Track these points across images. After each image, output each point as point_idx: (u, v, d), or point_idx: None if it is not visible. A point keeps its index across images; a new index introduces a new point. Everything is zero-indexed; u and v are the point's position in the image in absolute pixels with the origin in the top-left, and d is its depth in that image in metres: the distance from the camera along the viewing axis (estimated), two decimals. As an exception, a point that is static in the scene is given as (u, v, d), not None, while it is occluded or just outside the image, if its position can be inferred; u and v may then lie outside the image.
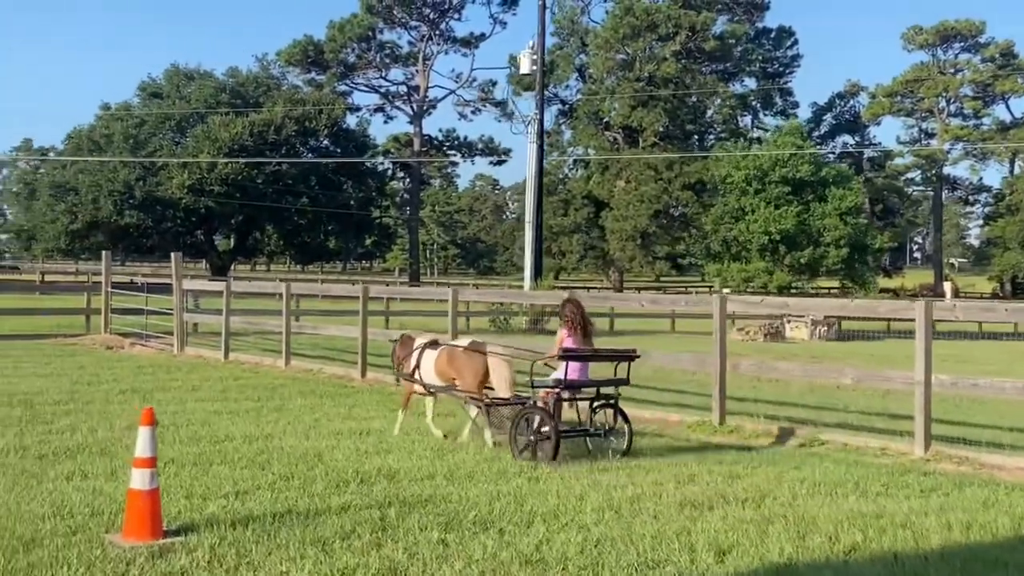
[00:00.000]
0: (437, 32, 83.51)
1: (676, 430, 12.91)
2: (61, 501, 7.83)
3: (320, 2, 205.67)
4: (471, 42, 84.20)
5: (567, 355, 10.47)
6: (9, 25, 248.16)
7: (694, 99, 75.51)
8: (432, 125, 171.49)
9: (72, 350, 22.42)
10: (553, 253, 72.84)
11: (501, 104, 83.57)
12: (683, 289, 77.87)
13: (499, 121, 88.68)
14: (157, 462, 7.07)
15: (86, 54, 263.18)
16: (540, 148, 37.13)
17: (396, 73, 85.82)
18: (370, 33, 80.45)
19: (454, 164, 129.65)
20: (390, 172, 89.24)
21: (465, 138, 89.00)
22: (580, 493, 8.56)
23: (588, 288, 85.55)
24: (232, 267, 75.41)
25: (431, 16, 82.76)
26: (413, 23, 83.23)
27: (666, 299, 22.11)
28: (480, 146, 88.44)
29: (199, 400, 14.40)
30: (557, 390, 10.30)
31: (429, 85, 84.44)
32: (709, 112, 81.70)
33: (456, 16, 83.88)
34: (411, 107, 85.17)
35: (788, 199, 61.96)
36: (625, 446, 10.43)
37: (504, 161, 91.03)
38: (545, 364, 11.47)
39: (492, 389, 11.02)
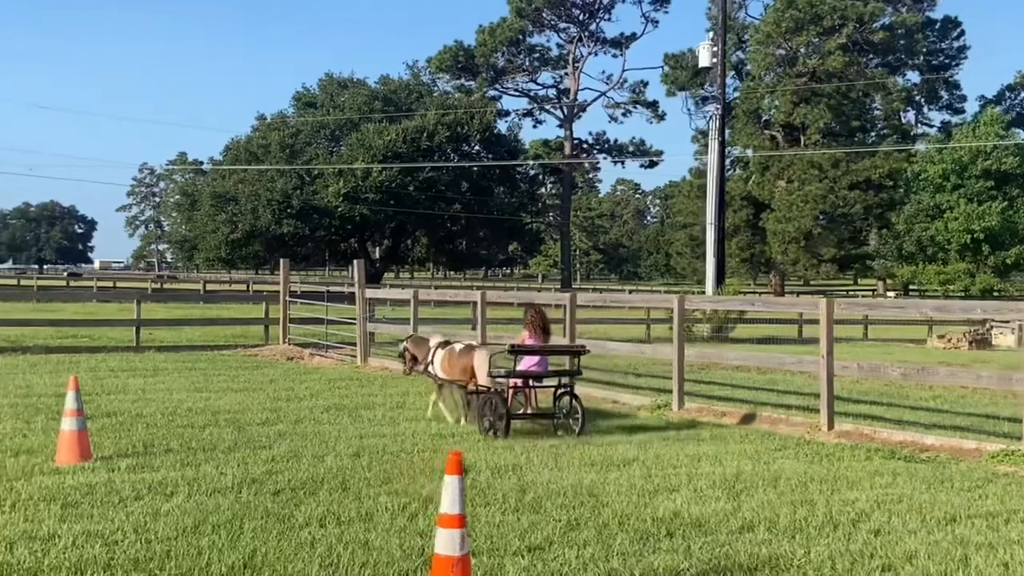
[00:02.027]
0: (587, 33, 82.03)
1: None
2: (330, 559, 6.48)
3: (469, 8, 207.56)
4: (622, 43, 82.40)
5: (514, 349, 12.56)
6: (166, 42, 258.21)
7: (859, 94, 71.77)
8: (582, 128, 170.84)
9: (255, 362, 21.63)
10: (712, 257, 70.40)
11: (652, 105, 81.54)
12: (844, 293, 74.41)
13: (650, 123, 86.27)
14: (466, 520, 5.58)
15: (240, 67, 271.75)
16: (721, 145, 35.10)
17: (546, 76, 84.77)
18: (519, 37, 79.52)
19: (596, 168, 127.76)
20: (540, 177, 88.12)
21: (615, 141, 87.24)
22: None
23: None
24: (383, 274, 75.42)
25: (581, 17, 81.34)
26: (562, 25, 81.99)
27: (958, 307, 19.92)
28: (631, 148, 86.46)
29: (410, 420, 13.10)
30: (514, 380, 12.40)
31: (579, 88, 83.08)
32: (873, 108, 77.73)
33: (606, 17, 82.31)
34: (561, 110, 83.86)
35: (991, 194, 57.67)
36: (582, 426, 12.08)
37: (656, 163, 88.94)
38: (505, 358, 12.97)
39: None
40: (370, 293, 23.40)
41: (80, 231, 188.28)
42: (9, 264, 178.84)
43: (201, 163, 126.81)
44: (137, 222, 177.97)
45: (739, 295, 34.93)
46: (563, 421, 12.36)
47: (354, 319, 22.94)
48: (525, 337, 13.41)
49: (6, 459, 9.64)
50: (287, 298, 25.19)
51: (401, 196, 65.02)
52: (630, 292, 69.31)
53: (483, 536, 7.09)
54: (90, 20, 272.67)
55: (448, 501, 5.47)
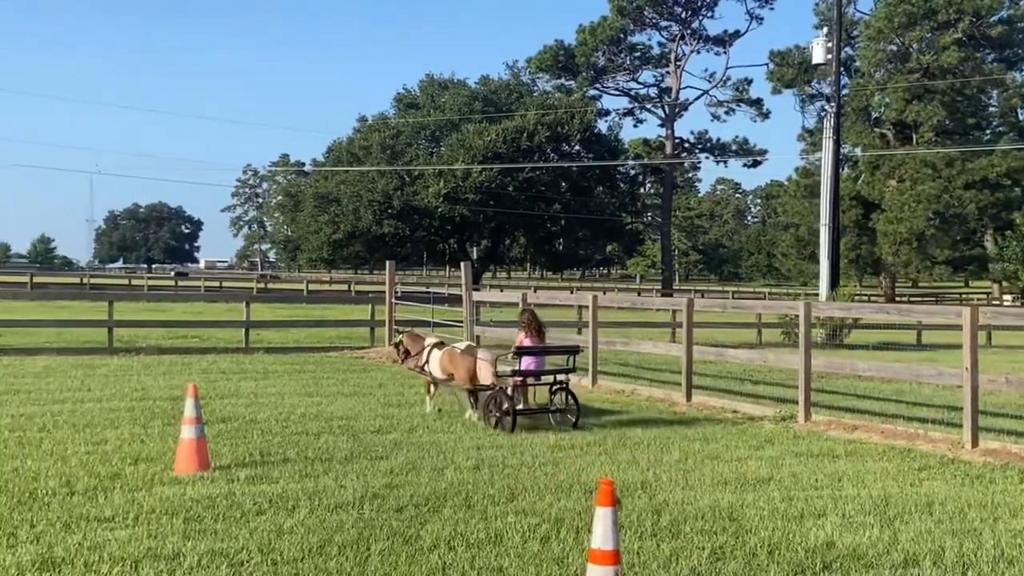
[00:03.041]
0: (689, 31, 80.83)
1: None
2: (465, 587, 6.09)
3: (569, 7, 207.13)
4: (725, 40, 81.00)
5: (520, 351, 13.61)
6: (270, 45, 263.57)
7: (974, 90, 69.19)
8: (684, 127, 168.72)
9: (362, 364, 21.49)
10: (818, 258, 68.59)
11: (756, 103, 79.94)
12: (957, 296, 71.94)
13: (754, 121, 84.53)
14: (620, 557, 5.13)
15: (342, 69, 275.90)
16: (836, 144, 33.86)
17: (647, 75, 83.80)
18: (620, 36, 78.73)
19: (696, 167, 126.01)
20: (640, 177, 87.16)
21: (718, 140, 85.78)
22: None
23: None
24: (482, 275, 75.39)
25: (683, 15, 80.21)
26: (664, 23, 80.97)
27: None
28: (734, 147, 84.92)
29: (526, 429, 12.66)
30: (515, 378, 13.22)
31: (681, 86, 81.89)
32: (989, 104, 74.91)
33: (709, 14, 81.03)
34: (662, 109, 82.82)
35: None
36: (575, 419, 12.98)
37: (760, 163, 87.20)
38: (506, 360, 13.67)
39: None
40: (477, 295, 23.11)
41: (187, 231, 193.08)
42: (119, 264, 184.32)
43: (303, 164, 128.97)
44: (241, 222, 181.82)
45: (854, 299, 33.73)
46: (559, 415, 13.20)
47: (459, 321, 22.69)
48: (522, 338, 14.30)
49: (125, 467, 9.52)
50: (393, 299, 25.05)
51: (500, 196, 64.85)
52: (732, 294, 68.01)
53: (624, 564, 6.62)
54: (196, 25, 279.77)
55: (601, 535, 5.04)
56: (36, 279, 68.70)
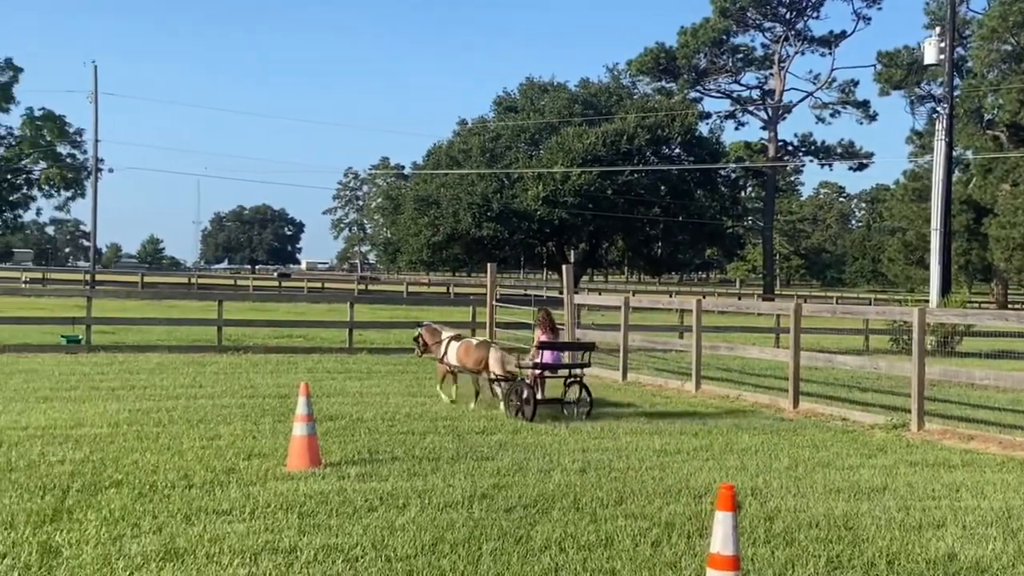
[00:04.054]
0: (793, 32, 79.51)
1: None
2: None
3: (671, 9, 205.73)
4: (830, 41, 79.44)
5: (543, 345, 14.97)
6: (371, 49, 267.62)
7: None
8: (787, 129, 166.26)
9: (464, 365, 21.58)
10: (927, 264, 66.59)
11: (863, 105, 78.21)
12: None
13: (860, 123, 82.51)
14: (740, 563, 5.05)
15: (442, 73, 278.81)
16: (948, 146, 32.85)
17: (749, 77, 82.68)
18: (723, 37, 77.85)
19: (799, 171, 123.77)
20: (741, 180, 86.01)
21: (822, 142, 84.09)
22: None
23: None
24: (580, 278, 75.17)
25: (787, 16, 78.92)
26: (768, 24, 79.79)
27: None
28: (839, 150, 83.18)
29: (630, 433, 12.61)
30: (536, 371, 14.31)
31: (784, 88, 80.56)
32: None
33: (814, 15, 79.63)
34: (765, 112, 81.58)
35: None
36: (587, 411, 13.87)
37: (866, 166, 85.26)
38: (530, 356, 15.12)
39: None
40: (577, 299, 23.06)
41: (289, 233, 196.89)
42: (224, 264, 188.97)
43: (403, 168, 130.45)
44: (341, 224, 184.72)
45: (966, 305, 32.69)
46: (573, 406, 14.02)
47: (559, 324, 22.66)
48: (539, 335, 15.55)
49: (239, 462, 9.73)
50: (494, 302, 25.13)
51: (599, 199, 64.54)
52: (836, 300, 66.62)
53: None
54: (299, 31, 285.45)
55: (720, 539, 4.97)
56: (146, 279, 70.84)
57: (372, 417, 13.06)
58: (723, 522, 4.96)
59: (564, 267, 24.24)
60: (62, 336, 23.30)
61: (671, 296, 56.73)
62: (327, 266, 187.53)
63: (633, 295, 31.71)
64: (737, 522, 5.07)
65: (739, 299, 64.05)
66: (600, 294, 54.76)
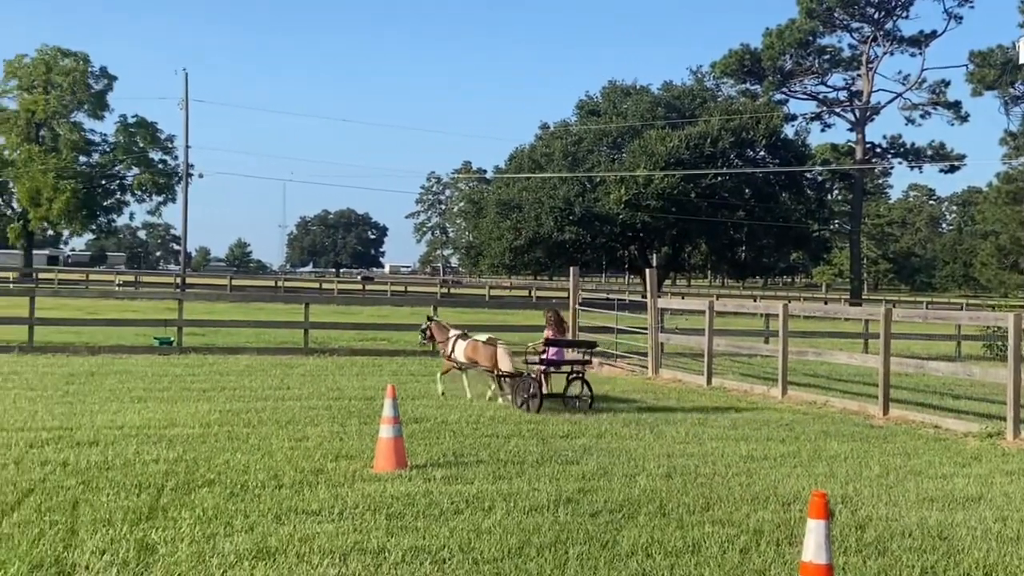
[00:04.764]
0: (882, 32, 77.89)
1: None
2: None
3: (755, 10, 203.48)
4: (920, 41, 77.63)
5: (549, 342, 15.70)
6: (452, 54, 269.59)
7: None
8: (875, 131, 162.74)
9: (546, 369, 21.57)
10: (1021, 268, 64.75)
11: (954, 106, 76.30)
12: None
13: (952, 124, 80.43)
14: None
15: (524, 77, 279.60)
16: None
17: (836, 78, 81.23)
18: (809, 38, 76.64)
19: (887, 173, 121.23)
20: (828, 183, 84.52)
21: (912, 144, 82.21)
22: None
23: None
24: (663, 282, 74.65)
25: (875, 16, 77.36)
26: (855, 25, 78.30)
27: None
28: (929, 152, 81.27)
29: (715, 439, 12.47)
30: (542, 367, 15.18)
31: (872, 89, 78.96)
32: None
33: (903, 14, 77.83)
34: (852, 113, 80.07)
35: None
36: (590, 404, 14.84)
37: (957, 168, 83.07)
38: (534, 350, 15.97)
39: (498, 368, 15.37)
40: (661, 302, 22.90)
41: (372, 237, 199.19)
42: (309, 267, 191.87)
43: (485, 171, 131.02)
44: (424, 228, 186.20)
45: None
46: (575, 400, 14.95)
47: (643, 328, 22.53)
48: (548, 334, 16.27)
49: (327, 463, 9.85)
50: (576, 305, 25.09)
51: (683, 203, 64.08)
52: (927, 305, 65.09)
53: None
54: (381, 36, 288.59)
55: (814, 548, 4.88)
56: (234, 282, 72.29)
57: (456, 420, 13.13)
58: (816, 530, 4.87)
59: (647, 271, 24.11)
60: (155, 338, 23.88)
61: (755, 300, 55.90)
62: (410, 270, 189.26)
63: (717, 299, 31.27)
64: (830, 530, 4.98)
65: (825, 303, 62.95)
66: (683, 298, 54.29)
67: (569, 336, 17.23)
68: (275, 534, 7.14)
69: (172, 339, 23.50)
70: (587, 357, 15.99)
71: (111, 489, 8.41)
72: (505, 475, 9.58)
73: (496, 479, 9.37)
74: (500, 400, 15.35)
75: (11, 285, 59.50)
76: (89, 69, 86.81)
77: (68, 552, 6.61)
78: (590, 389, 15.13)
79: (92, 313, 33.05)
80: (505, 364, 15.32)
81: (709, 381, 19.40)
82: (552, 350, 15.53)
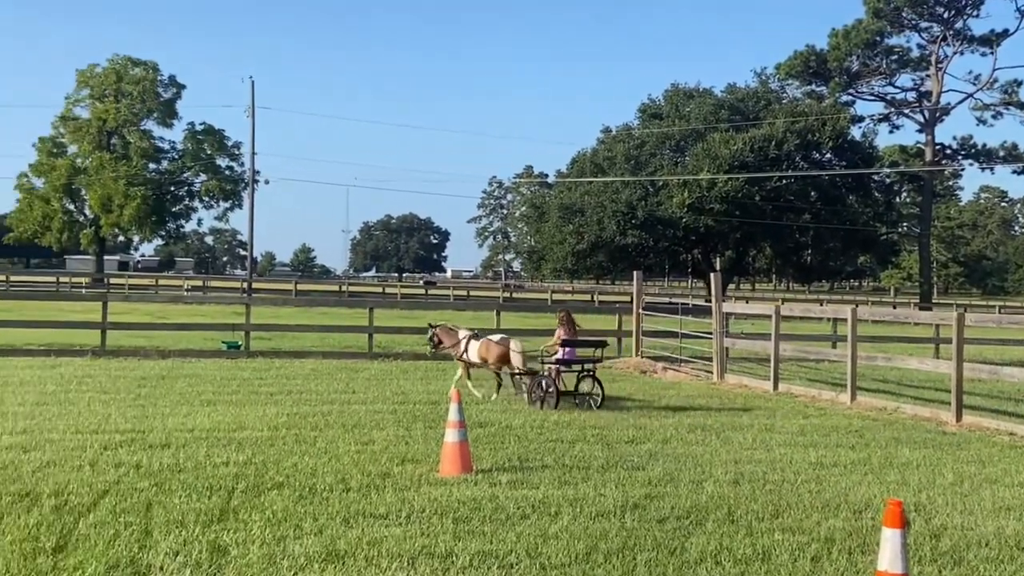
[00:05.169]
0: (952, 32, 76.38)
1: None
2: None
3: (820, 11, 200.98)
4: (992, 40, 75.92)
5: (565, 342, 16.09)
6: (512, 59, 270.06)
7: None
8: (945, 132, 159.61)
9: (610, 374, 21.46)
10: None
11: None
12: None
13: None
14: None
15: (585, 81, 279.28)
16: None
17: (904, 79, 79.81)
18: (876, 39, 75.39)
19: (957, 175, 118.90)
20: (896, 185, 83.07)
21: (984, 146, 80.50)
22: None
23: None
24: (726, 287, 73.99)
25: (945, 16, 75.90)
26: (924, 24, 76.86)
27: None
28: (1002, 153, 79.50)
29: (783, 445, 12.31)
30: (557, 366, 15.79)
31: (942, 89, 77.46)
32: None
33: (974, 13, 76.15)
34: (921, 114, 78.65)
35: None
36: (600, 401, 15.29)
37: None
38: (549, 351, 16.38)
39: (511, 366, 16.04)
40: (726, 307, 22.69)
41: (435, 241, 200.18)
42: (372, 272, 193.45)
43: (547, 176, 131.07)
44: (486, 233, 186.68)
45: None
46: (586, 397, 15.46)
47: (708, 332, 22.34)
48: (561, 333, 16.64)
49: (393, 467, 9.91)
50: (640, 310, 24.96)
51: (747, 206, 63.45)
52: (999, 309, 63.67)
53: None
54: (442, 41, 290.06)
55: (889, 558, 4.79)
56: (299, 286, 73.10)
57: (521, 424, 13.13)
58: (892, 539, 4.78)
59: (712, 275, 23.92)
60: (223, 342, 24.22)
61: (822, 304, 55.17)
62: (472, 274, 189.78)
63: (783, 303, 30.80)
64: (906, 540, 4.88)
65: (894, 308, 61.93)
66: (747, 302, 53.72)
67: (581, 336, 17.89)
68: (344, 537, 7.20)
69: (240, 343, 23.82)
70: (598, 355, 16.40)
71: (183, 491, 8.55)
72: (571, 480, 9.55)
73: (562, 484, 9.35)
74: (493, 397, 15.94)
75: (84, 290, 60.82)
76: (158, 78, 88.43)
77: (143, 553, 6.73)
78: (601, 387, 15.62)
79: (161, 317, 33.63)
80: (517, 362, 15.94)
81: (776, 386, 19.18)
82: (565, 349, 16.03)
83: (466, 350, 16.55)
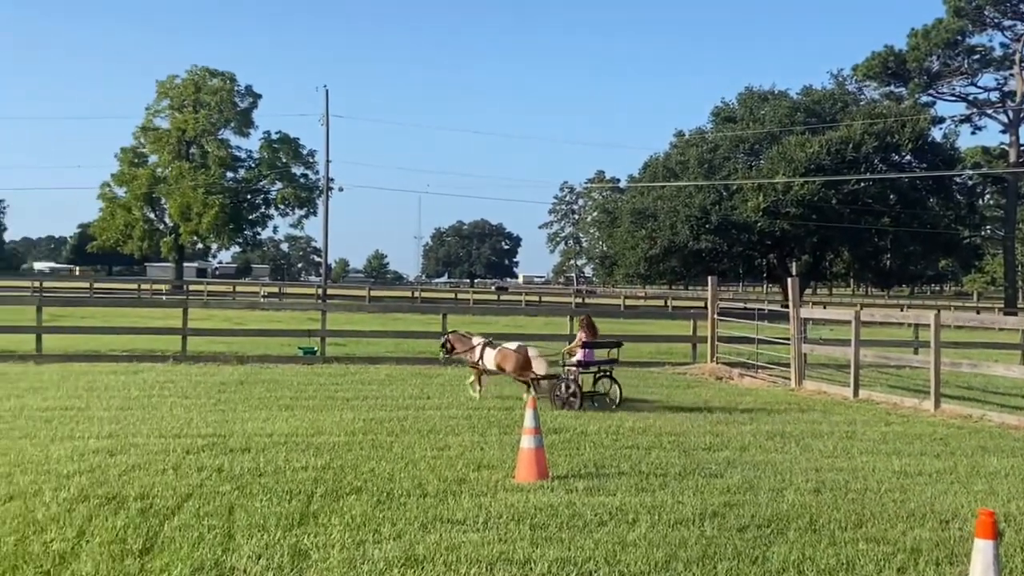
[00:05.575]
0: (1036, 29, 74.38)
1: None
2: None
3: (899, 11, 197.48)
4: (1078, 37, 73.80)
5: (586, 344, 16.42)
6: (584, 65, 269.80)
7: None
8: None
9: (684, 381, 21.33)
10: None
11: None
12: None
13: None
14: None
15: (658, 85, 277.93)
16: None
17: (987, 79, 77.91)
18: (957, 38, 73.72)
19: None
20: (979, 188, 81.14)
21: (1073, 146, 78.15)
22: None
23: None
24: (803, 291, 72.89)
25: (1029, 13, 73.95)
26: (1007, 23, 74.91)
27: None
28: (1089, 154, 77.14)
29: (865, 452, 12.07)
30: (578, 368, 16.08)
31: (1026, 89, 75.45)
32: None
33: (1060, 10, 74.08)
34: (1005, 115, 76.68)
35: None
36: (619, 401, 15.84)
37: (1119, 170, 78.45)
38: (569, 353, 16.73)
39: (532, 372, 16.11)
40: (804, 312, 22.34)
41: (506, 247, 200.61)
42: (444, 278, 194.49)
43: (618, 181, 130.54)
44: (557, 238, 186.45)
45: None
46: (604, 396, 16.00)
47: (783, 338, 22.03)
48: (582, 336, 16.90)
49: (469, 473, 9.92)
50: (715, 316, 24.71)
51: (823, 210, 62.51)
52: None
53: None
54: (516, 49, 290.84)
55: (980, 570, 4.66)
56: (372, 293, 73.80)
57: (596, 430, 13.06)
58: (983, 551, 4.64)
59: (789, 280, 23.59)
60: (299, 348, 24.53)
61: (902, 310, 54.06)
62: (543, 280, 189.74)
63: (861, 308, 30.17)
64: (998, 551, 4.73)
65: (978, 313, 60.48)
66: (825, 307, 52.93)
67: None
68: (422, 542, 7.22)
69: (315, 349, 24.10)
70: (614, 356, 16.94)
71: (264, 495, 8.65)
72: (648, 487, 9.47)
73: (639, 491, 9.27)
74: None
75: (164, 297, 62.14)
76: (235, 88, 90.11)
77: (226, 556, 6.83)
78: (619, 386, 16.19)
79: (239, 324, 34.19)
80: (540, 368, 16.20)
81: (856, 393, 18.82)
82: (585, 352, 16.42)
83: (481, 357, 16.74)
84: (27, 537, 7.21)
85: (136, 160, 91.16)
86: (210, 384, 17.51)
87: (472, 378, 17.10)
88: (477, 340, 17.15)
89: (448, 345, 17.56)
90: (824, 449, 12.22)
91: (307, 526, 7.65)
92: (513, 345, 16.83)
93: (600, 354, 16.70)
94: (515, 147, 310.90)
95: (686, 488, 9.47)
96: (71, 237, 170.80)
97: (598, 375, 16.40)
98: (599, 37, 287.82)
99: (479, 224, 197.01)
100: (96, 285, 73.93)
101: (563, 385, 15.75)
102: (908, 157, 67.42)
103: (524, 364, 16.18)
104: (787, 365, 21.39)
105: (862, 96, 75.74)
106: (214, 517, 7.85)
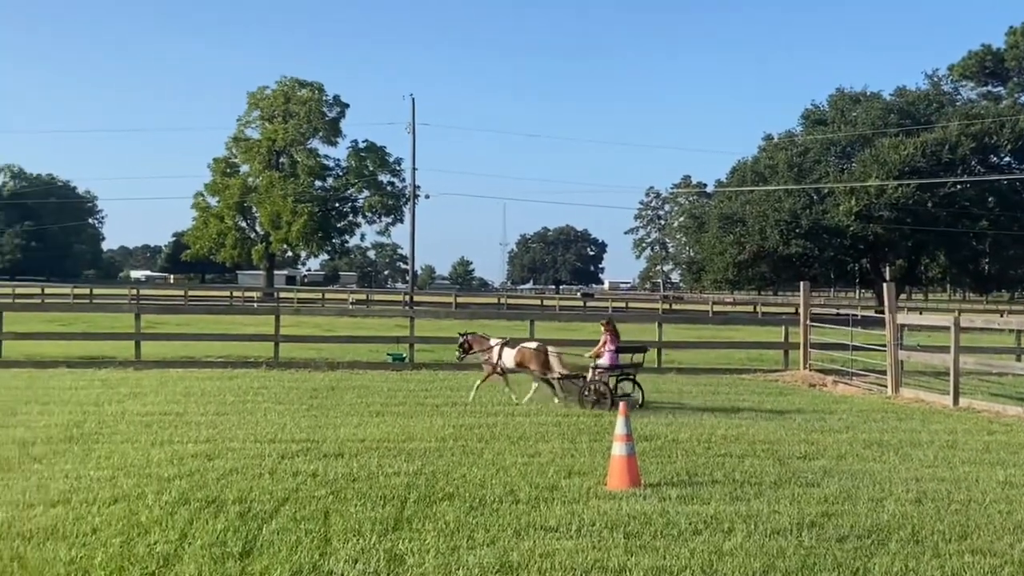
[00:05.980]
0: None
1: None
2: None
3: (997, 9, 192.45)
4: None
5: (619, 348, 16.87)
6: (668, 69, 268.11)
7: None
8: None
9: (777, 388, 20.99)
10: None
11: None
12: None
13: None
14: None
15: (745, 89, 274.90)
16: None
17: (1090, 76, 75.47)
18: (1057, 34, 71.61)
19: None
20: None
21: None
22: None
23: None
24: (897, 297, 71.34)
25: None
26: (1111, 17, 72.47)
27: None
28: None
29: (967, 463, 11.72)
30: (607, 371, 16.58)
31: None
32: None
33: None
34: (1108, 113, 74.18)
35: None
36: (641, 401, 16.52)
37: None
38: (596, 356, 16.96)
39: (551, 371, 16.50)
40: (900, 318, 21.83)
41: (591, 253, 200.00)
42: (529, 284, 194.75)
43: (705, 185, 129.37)
44: (643, 244, 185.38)
45: None
46: (626, 398, 16.02)
47: (879, 345, 21.55)
48: (607, 339, 17.00)
49: (560, 480, 9.89)
50: (808, 322, 24.28)
51: (918, 213, 61.08)
52: None
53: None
54: (592, 51, 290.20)
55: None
56: (458, 299, 74.25)
57: (687, 438, 12.92)
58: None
59: (885, 285, 23.05)
60: (388, 354, 24.74)
61: (1004, 315, 52.56)
62: (629, 286, 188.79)
63: (960, 314, 29.28)
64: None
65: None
66: (921, 313, 51.68)
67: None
68: (516, 549, 7.21)
69: (404, 355, 24.29)
70: (639, 360, 17.50)
71: (358, 500, 8.74)
72: (742, 496, 9.33)
73: (733, 500, 9.14)
74: (556, 401, 16.41)
75: (256, 304, 63.37)
76: (323, 98, 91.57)
77: (324, 560, 6.91)
78: (640, 387, 17.01)
79: (329, 330, 34.64)
80: (558, 367, 16.58)
81: (956, 401, 18.31)
82: (609, 355, 16.80)
83: (500, 357, 17.08)
84: (132, 539, 7.39)
85: (228, 170, 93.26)
86: (302, 390, 17.77)
87: (480, 381, 17.30)
88: (495, 341, 17.58)
89: (466, 344, 17.87)
90: (924, 458, 11.91)
91: (401, 531, 7.70)
92: (533, 344, 17.31)
93: (624, 358, 17.17)
94: (601, 152, 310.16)
95: (782, 497, 9.31)
96: (166, 246, 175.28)
97: (620, 377, 16.94)
98: (684, 42, 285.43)
99: (564, 230, 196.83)
100: (190, 293, 75.68)
101: (592, 386, 16.25)
102: (1007, 158, 65.56)
103: (545, 362, 16.58)
104: (883, 372, 20.91)
105: (958, 96, 73.99)
106: (310, 521, 7.95)
